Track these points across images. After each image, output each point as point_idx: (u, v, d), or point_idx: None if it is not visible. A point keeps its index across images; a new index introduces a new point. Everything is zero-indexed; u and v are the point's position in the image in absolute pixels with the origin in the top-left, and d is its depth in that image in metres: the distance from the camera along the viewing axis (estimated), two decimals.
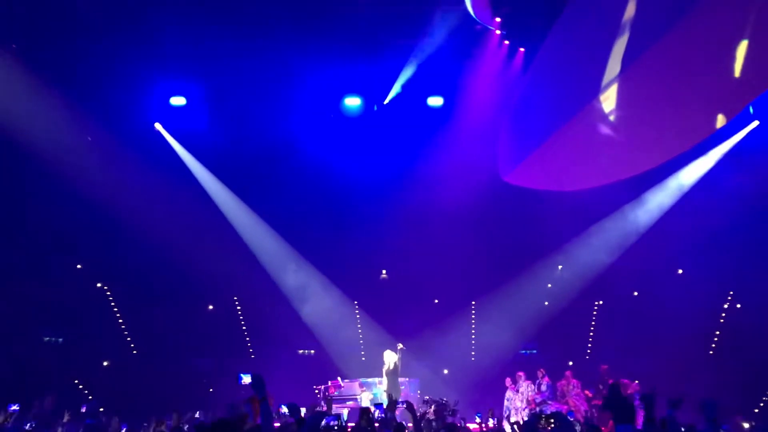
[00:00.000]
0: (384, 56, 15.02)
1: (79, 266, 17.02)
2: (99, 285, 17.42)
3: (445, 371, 18.13)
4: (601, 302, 18.52)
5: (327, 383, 14.58)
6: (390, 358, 14.07)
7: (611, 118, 14.75)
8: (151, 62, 14.53)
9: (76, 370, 16.31)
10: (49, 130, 13.90)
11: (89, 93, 14.40)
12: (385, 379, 14.11)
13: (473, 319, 18.91)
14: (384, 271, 18.93)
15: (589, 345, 18.56)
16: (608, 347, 17.03)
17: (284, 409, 7.05)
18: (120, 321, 17.53)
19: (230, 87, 15.31)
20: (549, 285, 18.32)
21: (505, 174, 16.09)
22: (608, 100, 14.53)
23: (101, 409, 12.01)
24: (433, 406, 12.32)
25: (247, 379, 4.22)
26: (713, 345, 17.83)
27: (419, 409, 10.04)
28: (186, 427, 8.25)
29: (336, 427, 5.30)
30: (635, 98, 14.07)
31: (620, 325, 17.12)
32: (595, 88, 14.51)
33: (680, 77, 12.93)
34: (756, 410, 16.16)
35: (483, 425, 7.91)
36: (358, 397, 14.08)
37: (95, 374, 16.57)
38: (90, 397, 15.54)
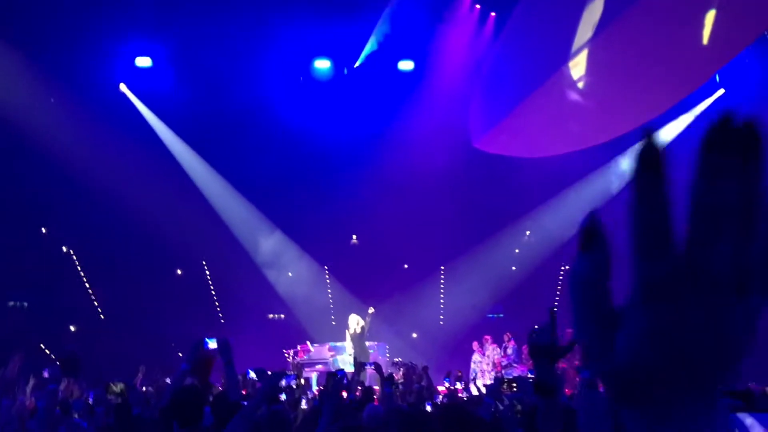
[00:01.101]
0: (354, 19, 14.82)
1: (44, 230, 16.75)
2: (65, 249, 17.19)
3: (414, 335, 18.35)
4: (567, 267, 18.80)
5: (296, 347, 14.66)
6: (355, 321, 14.15)
7: (582, 84, 14.80)
8: (116, 22, 14.17)
9: (42, 334, 16.15)
10: (10, 90, 13.52)
11: (52, 53, 14.03)
12: (349, 343, 14.21)
13: (442, 283, 19.10)
14: (354, 237, 18.96)
15: (555, 309, 18.84)
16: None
17: (252, 375, 7.08)
18: (87, 285, 17.35)
19: (198, 48, 15.02)
20: (516, 250, 18.56)
21: (476, 140, 16.11)
22: (579, 67, 14.56)
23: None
24: (402, 370, 12.51)
25: (213, 343, 4.23)
26: None
27: (387, 371, 10.17)
28: (145, 389, 8.25)
29: (296, 386, 5.35)
30: (606, 65, 14.12)
31: None
32: (566, 54, 14.52)
33: (650, 44, 12.99)
34: None
35: (451, 388, 8.06)
36: (327, 360, 14.19)
37: (62, 339, 16.44)
38: (57, 363, 15.43)
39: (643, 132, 0.55)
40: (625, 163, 16.89)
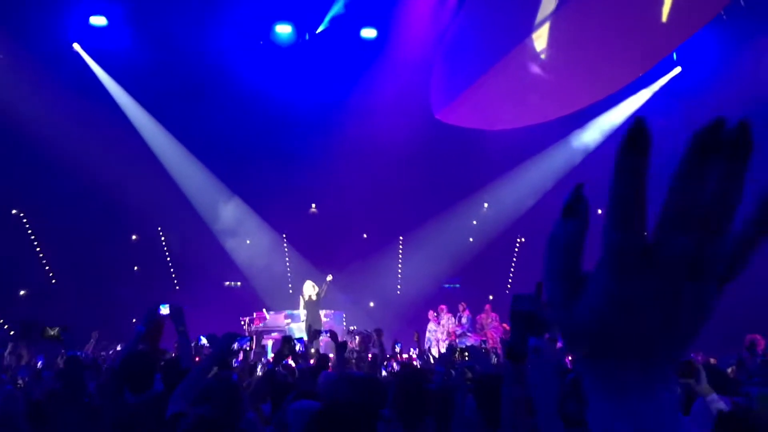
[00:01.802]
0: None
1: None
2: (14, 212, 16.73)
3: (371, 304, 18.49)
4: (523, 239, 19.10)
5: (252, 315, 14.64)
6: (309, 287, 14.16)
7: (542, 58, 14.88)
8: None
9: None
10: None
11: (1, 9, 13.47)
12: (302, 311, 14.25)
13: (400, 253, 19.22)
14: (313, 205, 18.90)
15: (510, 280, 19.21)
16: (528, 283, 17.56)
17: (204, 341, 7.05)
18: (38, 249, 16.96)
19: (155, 8, 14.59)
20: (474, 222, 18.77)
21: (437, 111, 16.11)
22: (539, 40, 14.62)
23: (12, 336, 11.75)
24: (357, 338, 12.61)
25: (165, 309, 4.19)
26: None
27: (343, 339, 10.24)
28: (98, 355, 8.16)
29: (248, 348, 5.36)
30: (566, 39, 14.21)
31: (540, 262, 17.69)
32: (528, 28, 14.56)
33: (610, 20, 13.11)
34: None
35: (401, 356, 8.16)
36: (284, 328, 14.21)
37: (11, 304, 16.09)
38: (6, 327, 15.14)
39: (635, 118, 0.60)
40: (584, 137, 17.12)
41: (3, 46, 14.03)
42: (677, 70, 15.82)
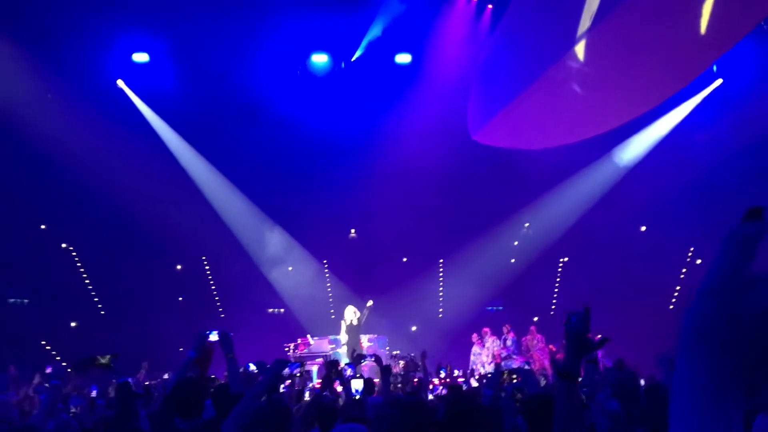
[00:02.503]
0: (352, 12, 14.80)
1: (43, 227, 16.74)
2: (64, 245, 17.19)
3: (414, 328, 18.39)
4: (566, 259, 18.85)
5: (297, 341, 14.69)
6: (351, 313, 14.16)
7: (579, 75, 14.79)
8: (113, 17, 14.13)
9: (43, 331, 16.17)
10: (8, 87, 13.51)
11: (49, 49, 13.99)
12: (344, 335, 14.24)
13: (441, 276, 19.13)
14: (353, 230, 18.97)
15: (554, 301, 18.94)
16: (572, 303, 17.36)
17: (252, 367, 7.11)
18: (86, 282, 17.36)
19: (195, 43, 14.97)
20: (515, 243, 18.59)
21: (474, 132, 16.09)
22: (576, 58, 14.54)
23: (69, 370, 12.00)
24: (401, 362, 12.55)
25: (214, 336, 4.26)
26: (673, 300, 18.33)
27: (387, 364, 10.19)
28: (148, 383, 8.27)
29: (299, 374, 5.37)
30: (604, 56, 14.11)
31: (584, 281, 17.46)
32: (564, 46, 14.50)
33: (648, 35, 12.97)
34: None
35: (446, 380, 8.08)
36: (328, 353, 14.22)
37: (62, 335, 16.46)
38: (57, 358, 15.46)
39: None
40: (625, 152, 16.89)
41: (52, 84, 14.52)
42: (718, 81, 15.56)
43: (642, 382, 6.91)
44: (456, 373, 7.95)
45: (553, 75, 14.81)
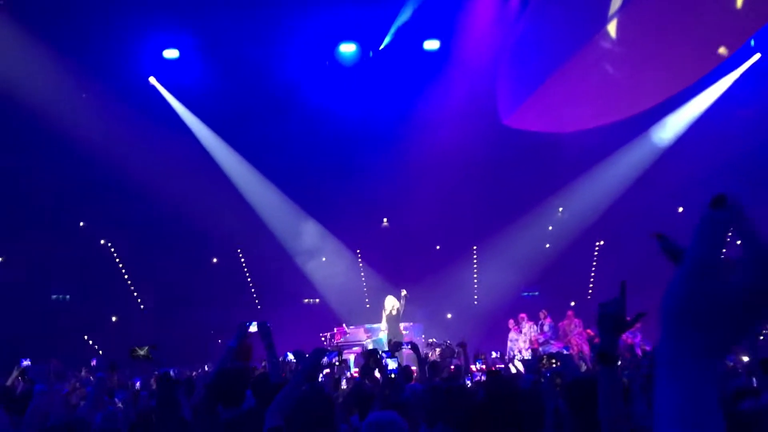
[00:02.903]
0: (378, 1, 14.74)
1: (81, 224, 17.09)
2: (102, 242, 17.54)
3: (449, 315, 18.36)
4: (602, 242, 18.61)
5: (333, 330, 14.78)
6: (391, 303, 14.19)
7: (611, 55, 14.54)
8: (142, 15, 14.30)
9: (85, 326, 16.55)
10: (45, 87, 13.79)
11: (82, 49, 14.23)
12: (384, 324, 14.28)
13: (475, 263, 19.05)
14: (385, 219, 18.99)
15: (591, 285, 18.74)
16: (609, 286, 17.09)
17: (291, 357, 7.18)
18: (125, 277, 17.70)
19: (223, 37, 15.09)
20: (550, 227, 18.40)
21: (505, 117, 15.95)
22: (608, 36, 14.30)
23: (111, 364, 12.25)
24: (437, 350, 12.54)
25: (253, 327, 4.33)
26: None
27: (423, 352, 10.19)
28: (194, 374, 8.40)
29: (337, 363, 5.40)
30: (637, 34, 13.85)
31: (621, 264, 17.21)
32: (595, 26, 14.26)
33: (682, 11, 12.70)
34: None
35: (483, 368, 8.05)
36: (363, 342, 14.28)
37: (104, 330, 16.82)
38: (100, 352, 15.81)
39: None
40: (661, 131, 16.56)
41: (86, 84, 14.76)
42: (757, 56, 15.15)
43: None
44: (494, 354, 7.89)
45: (585, 55, 14.59)
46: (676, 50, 13.18)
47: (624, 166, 16.81)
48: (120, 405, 5.82)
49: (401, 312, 14.20)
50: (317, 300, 18.74)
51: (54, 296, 17.26)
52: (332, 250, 18.00)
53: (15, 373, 6.36)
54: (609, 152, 16.86)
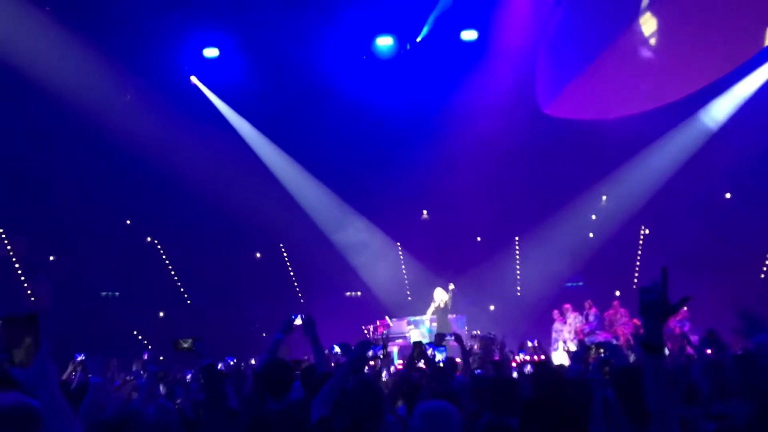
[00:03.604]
0: None
1: (128, 222, 17.50)
2: (149, 239, 17.93)
3: (492, 307, 18.27)
4: (647, 230, 18.28)
5: (376, 323, 14.85)
6: (440, 296, 14.19)
7: (652, 41, 14.26)
8: (181, 15, 14.52)
9: (134, 322, 16.95)
10: (90, 88, 14.12)
11: (124, 51, 14.54)
12: (428, 316, 14.30)
13: (517, 254, 18.91)
14: (425, 212, 18.97)
15: (636, 274, 18.42)
16: (656, 275, 16.80)
17: (337, 349, 7.26)
18: (172, 273, 18.07)
19: (262, 34, 15.23)
20: (593, 216, 18.14)
21: (545, 106, 15.78)
22: (649, 22, 14.02)
23: (161, 358, 12.54)
24: (480, 341, 12.50)
25: (298, 320, 4.40)
26: (765, 269, 17.52)
27: (467, 344, 10.17)
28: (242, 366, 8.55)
29: (382, 356, 5.45)
30: (677, 18, 13.55)
31: (667, 252, 16.88)
32: (635, 12, 14.00)
33: None
34: None
35: (525, 357, 7.97)
36: (407, 334, 14.32)
37: (152, 325, 17.20)
38: (149, 347, 16.18)
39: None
40: (706, 117, 16.15)
41: (130, 84, 15.09)
42: None
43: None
44: (529, 344, 7.78)
45: (624, 41, 14.34)
46: (720, 33, 12.86)
47: (668, 152, 16.46)
48: (178, 403, 5.94)
49: (449, 305, 14.20)
50: (359, 293, 18.84)
51: (103, 293, 17.72)
52: (374, 242, 18.06)
53: (70, 368, 6.55)
54: (652, 139, 16.53)
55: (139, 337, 16.96)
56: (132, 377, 7.11)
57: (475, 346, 11.73)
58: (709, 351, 5.56)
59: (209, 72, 16.07)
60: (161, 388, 6.62)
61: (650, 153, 16.60)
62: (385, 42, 15.64)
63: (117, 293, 17.76)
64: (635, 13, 13.84)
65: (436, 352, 5.31)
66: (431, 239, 18.13)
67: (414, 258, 18.59)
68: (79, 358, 6.29)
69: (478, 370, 7.05)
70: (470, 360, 7.04)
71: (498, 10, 15.11)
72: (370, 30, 15.47)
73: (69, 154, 15.11)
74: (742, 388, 3.60)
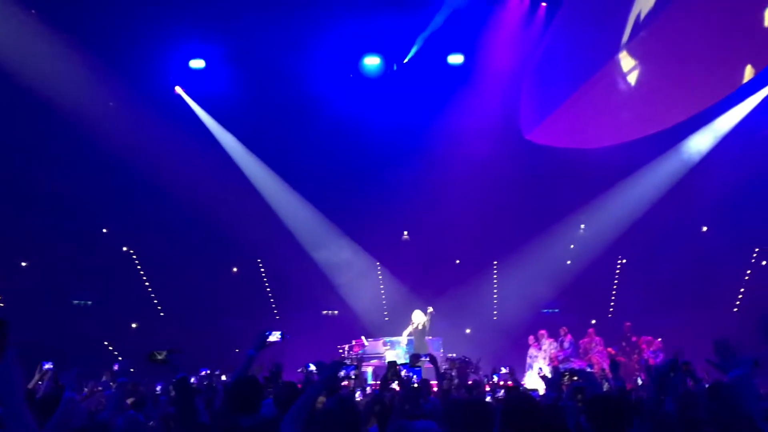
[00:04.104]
0: (403, 14, 14.81)
1: (105, 230, 17.29)
2: (125, 249, 17.71)
3: (468, 330, 18.24)
4: (624, 260, 18.43)
5: (351, 342, 14.75)
6: (418, 318, 14.14)
7: (634, 74, 14.47)
8: (168, 26, 14.50)
9: (106, 332, 16.68)
10: (72, 94, 13.99)
11: (109, 58, 14.44)
12: (404, 338, 14.25)
13: (495, 279, 18.94)
14: (405, 232, 18.95)
15: (612, 303, 18.54)
16: (631, 305, 16.99)
17: (312, 367, 7.18)
18: (146, 283, 17.84)
19: (249, 48, 15.25)
20: (572, 246, 18.22)
21: (528, 132, 15.92)
22: (631, 55, 14.24)
23: (132, 370, 12.33)
24: (456, 365, 12.44)
25: (273, 337, 4.34)
26: (737, 303, 17.71)
27: (442, 367, 10.12)
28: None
29: (354, 376, 5.41)
30: (659, 52, 13.77)
31: (643, 282, 17.04)
32: (618, 44, 14.21)
33: (707, 29, 12.62)
34: None
35: (499, 382, 7.95)
36: (382, 355, 14.23)
37: (124, 336, 16.94)
38: (120, 358, 15.91)
39: None
40: (684, 151, 16.39)
41: (114, 92, 14.97)
42: None
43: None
44: (503, 370, 7.78)
45: (607, 73, 14.55)
46: (698, 69, 13.08)
47: (647, 184, 16.66)
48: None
49: (428, 327, 14.15)
50: (336, 312, 18.73)
51: (75, 301, 17.44)
52: (357, 262, 17.99)
53: (37, 376, 6.41)
54: (632, 170, 16.73)
55: (110, 348, 16.69)
56: (101, 388, 6.97)
57: (452, 369, 11.69)
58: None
59: (195, 83, 16.04)
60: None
61: (629, 183, 16.80)
62: (372, 61, 15.73)
63: (89, 302, 17.49)
64: (618, 47, 14.06)
65: (411, 374, 5.27)
66: (411, 260, 18.10)
67: (393, 279, 18.53)
68: (47, 366, 6.16)
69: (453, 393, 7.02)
70: (444, 382, 7.00)
71: (485, 36, 15.28)
72: (358, 49, 15.55)
73: (47, 158, 14.92)
74: (713, 420, 3.61)
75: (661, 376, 4.69)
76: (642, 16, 13.56)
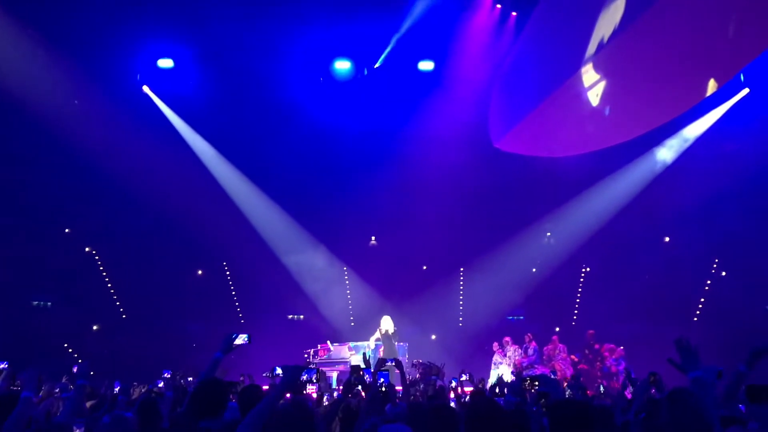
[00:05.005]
0: (374, 19, 14.83)
1: (67, 230, 16.97)
2: (87, 249, 17.39)
3: (433, 336, 18.30)
4: (588, 269, 18.68)
5: (317, 347, 14.69)
6: (387, 324, 14.11)
7: (601, 84, 14.69)
8: (137, 24, 14.31)
9: (66, 333, 16.35)
10: (37, 92, 13.72)
11: (72, 54, 14.18)
12: (372, 343, 14.23)
13: (461, 285, 19.04)
14: (373, 238, 18.96)
15: (576, 311, 18.77)
16: (595, 313, 17.23)
17: (279, 371, 7.14)
18: (109, 285, 17.53)
19: (219, 49, 15.11)
20: (537, 252, 18.41)
21: (496, 140, 16.06)
22: (597, 67, 14.45)
23: (92, 373, 12.06)
24: (420, 370, 12.47)
25: (240, 339, 4.32)
26: (698, 312, 18.07)
27: (408, 373, 10.13)
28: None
29: (315, 380, 5.39)
30: (624, 65, 14.00)
31: (607, 291, 17.30)
32: (583, 56, 14.41)
33: (672, 43, 12.86)
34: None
35: (459, 389, 8.00)
36: (348, 360, 14.19)
37: (85, 338, 16.63)
38: (79, 360, 15.61)
39: None
40: (647, 162, 16.70)
41: (79, 90, 14.70)
42: (745, 91, 15.35)
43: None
44: (464, 377, 7.82)
45: (574, 84, 14.74)
46: (661, 83, 13.32)
47: (612, 194, 16.93)
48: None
49: (396, 334, 14.13)
50: (302, 316, 18.64)
51: (35, 302, 17.07)
52: (321, 266, 17.92)
53: None
54: (597, 179, 17.00)
55: (70, 350, 16.36)
56: (58, 390, 6.83)
57: (417, 374, 11.72)
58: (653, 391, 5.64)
59: (163, 83, 15.83)
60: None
61: (594, 193, 17.05)
62: (342, 65, 15.72)
63: (49, 303, 17.13)
64: (582, 58, 14.26)
65: (379, 378, 5.26)
66: (378, 265, 18.11)
67: (360, 283, 18.50)
68: (1, 366, 6.02)
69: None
70: (408, 388, 7.00)
71: (455, 44, 15.38)
72: (329, 52, 15.53)
73: (8, 156, 14.59)
74: (673, 426, 3.67)
75: (642, 395, 4.76)
76: (607, 31, 13.77)
